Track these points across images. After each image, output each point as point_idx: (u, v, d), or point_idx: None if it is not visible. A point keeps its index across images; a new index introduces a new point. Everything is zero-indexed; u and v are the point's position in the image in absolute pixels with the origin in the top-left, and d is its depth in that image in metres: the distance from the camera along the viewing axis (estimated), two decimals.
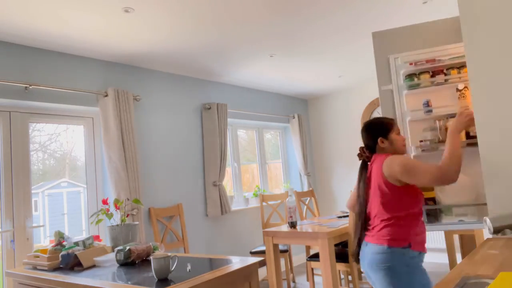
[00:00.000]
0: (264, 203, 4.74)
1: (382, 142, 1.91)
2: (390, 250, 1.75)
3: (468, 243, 4.12)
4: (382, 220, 1.83)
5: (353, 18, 3.11)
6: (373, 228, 1.86)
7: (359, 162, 2.06)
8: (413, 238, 1.78)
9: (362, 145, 2.02)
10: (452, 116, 2.16)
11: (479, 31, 1.74)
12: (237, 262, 1.90)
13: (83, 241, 2.36)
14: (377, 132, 1.93)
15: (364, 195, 1.92)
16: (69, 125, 3.41)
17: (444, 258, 4.74)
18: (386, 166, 1.80)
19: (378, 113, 5.31)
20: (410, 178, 1.73)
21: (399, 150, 1.91)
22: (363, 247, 1.89)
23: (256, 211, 4.84)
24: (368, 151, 1.98)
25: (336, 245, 3.76)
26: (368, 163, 1.98)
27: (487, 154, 1.72)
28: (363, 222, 1.91)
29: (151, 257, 1.79)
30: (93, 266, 2.20)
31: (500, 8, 1.69)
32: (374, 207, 1.87)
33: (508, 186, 1.65)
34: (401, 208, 1.79)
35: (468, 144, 2.08)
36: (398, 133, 1.94)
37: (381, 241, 1.79)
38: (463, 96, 2.17)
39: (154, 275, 1.73)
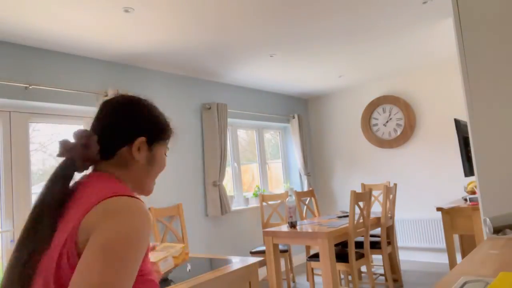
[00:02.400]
0: (264, 203, 4.74)
1: (142, 150, 0.97)
2: None
3: (468, 243, 4.12)
4: None
5: (353, 18, 3.11)
6: None
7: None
8: None
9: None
10: None
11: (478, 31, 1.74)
12: (237, 262, 1.90)
13: None
14: (148, 124, 0.99)
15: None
16: (69, 125, 3.41)
17: (444, 258, 4.74)
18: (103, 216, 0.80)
19: (378, 113, 5.31)
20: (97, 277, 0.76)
21: (145, 188, 1.03)
22: None
23: (256, 211, 4.84)
24: (100, 149, 0.95)
25: (336, 245, 3.76)
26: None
27: (481, 154, 1.72)
28: None
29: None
30: None
31: (498, 12, 1.69)
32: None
33: (501, 186, 1.65)
34: None
35: None
36: (166, 153, 1.06)
37: None
38: None
39: None
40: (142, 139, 0.95)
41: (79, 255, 0.76)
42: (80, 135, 0.92)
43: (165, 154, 1.04)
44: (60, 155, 0.91)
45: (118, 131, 0.94)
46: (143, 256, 0.79)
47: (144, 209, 0.83)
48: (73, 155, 0.90)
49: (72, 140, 0.92)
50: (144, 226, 0.79)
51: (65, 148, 0.90)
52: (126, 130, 0.95)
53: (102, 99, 3.37)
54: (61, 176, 0.88)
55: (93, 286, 0.69)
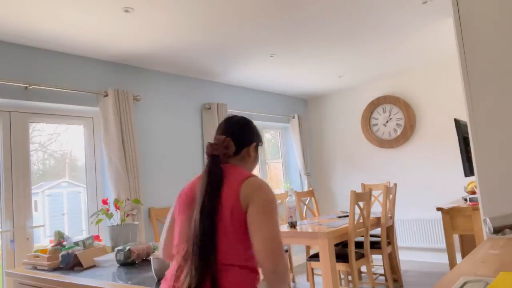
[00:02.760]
0: None
1: (253, 151, 1.51)
2: None
3: (468, 243, 4.12)
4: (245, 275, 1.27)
5: (353, 18, 3.11)
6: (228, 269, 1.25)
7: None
8: None
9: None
10: None
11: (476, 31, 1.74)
12: None
13: (83, 241, 2.36)
14: (256, 135, 1.55)
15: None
16: (69, 125, 3.41)
17: (444, 258, 4.74)
18: (252, 188, 1.32)
19: (378, 113, 5.32)
20: (265, 225, 1.31)
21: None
22: None
23: None
24: (234, 150, 1.46)
25: (336, 245, 3.76)
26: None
27: (481, 154, 1.72)
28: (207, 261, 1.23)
29: (151, 257, 1.79)
30: (93, 266, 2.20)
31: (498, 12, 1.69)
32: (231, 254, 1.26)
33: (501, 186, 1.65)
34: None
35: None
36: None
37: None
38: None
39: (154, 275, 1.73)
40: (254, 144, 1.51)
41: (242, 209, 1.27)
42: (222, 139, 1.41)
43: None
44: (209, 152, 1.39)
45: (243, 138, 1.47)
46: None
47: (267, 185, 1.34)
48: (219, 153, 1.39)
49: (215, 143, 1.40)
50: (275, 201, 1.31)
51: (213, 148, 1.39)
52: (247, 137, 1.49)
53: (102, 99, 3.38)
54: (214, 165, 1.36)
55: (270, 231, 1.24)
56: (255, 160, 1.53)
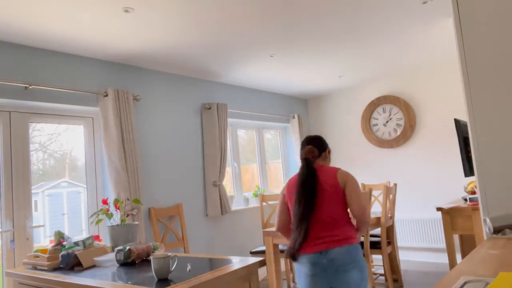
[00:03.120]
0: (264, 203, 4.74)
1: (329, 153, 2.37)
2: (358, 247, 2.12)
3: (468, 243, 4.12)
4: (345, 222, 2.12)
5: (353, 18, 3.11)
6: (333, 231, 2.08)
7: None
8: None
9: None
10: None
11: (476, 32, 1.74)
12: (237, 262, 1.90)
13: (83, 241, 2.36)
14: (326, 144, 2.37)
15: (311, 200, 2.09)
16: (69, 125, 3.41)
17: (444, 258, 4.74)
18: (343, 176, 2.16)
19: (378, 113, 5.32)
20: (356, 197, 2.17)
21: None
22: (325, 253, 2.05)
23: (256, 211, 4.84)
24: (318, 153, 2.30)
25: None
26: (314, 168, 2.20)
27: (481, 154, 1.72)
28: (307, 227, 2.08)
29: (151, 257, 1.79)
30: (93, 266, 2.20)
31: (498, 12, 1.69)
32: (333, 210, 2.09)
33: (501, 186, 1.65)
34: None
35: None
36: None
37: (351, 240, 2.10)
38: None
39: (154, 275, 1.73)
40: (328, 149, 2.35)
41: (341, 186, 2.10)
42: (310, 148, 2.23)
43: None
44: (303, 157, 2.21)
45: (321, 146, 2.31)
46: None
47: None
48: (311, 156, 2.21)
49: (307, 151, 2.22)
50: (356, 182, 2.13)
51: (306, 153, 2.21)
52: (323, 145, 2.33)
53: (102, 99, 3.38)
54: (310, 164, 2.17)
55: (361, 200, 2.11)
56: (329, 161, 2.36)
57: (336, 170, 2.17)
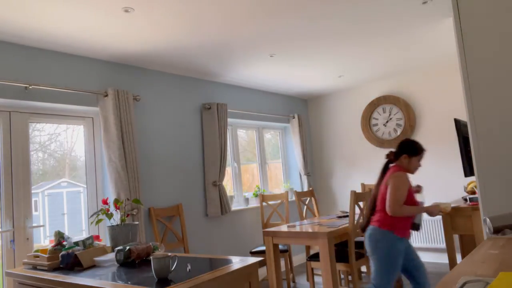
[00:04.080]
0: (264, 203, 4.74)
1: (405, 158, 2.68)
2: (381, 231, 2.61)
3: (468, 243, 4.12)
4: (381, 210, 2.67)
5: (352, 18, 3.11)
6: (374, 215, 2.73)
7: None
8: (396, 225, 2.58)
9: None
10: None
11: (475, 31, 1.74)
12: (237, 262, 1.90)
13: (83, 241, 2.36)
14: (407, 150, 2.68)
15: (376, 189, 2.75)
16: (69, 125, 3.41)
17: (444, 258, 4.74)
18: (391, 177, 2.63)
19: (378, 113, 5.32)
20: (389, 193, 2.61)
21: (410, 171, 2.70)
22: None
23: (256, 211, 4.84)
24: (393, 156, 2.76)
25: (336, 245, 3.76)
26: (390, 165, 2.78)
27: (481, 154, 1.72)
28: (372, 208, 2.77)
29: (151, 257, 1.79)
30: (93, 266, 2.20)
31: (497, 11, 1.69)
32: (379, 200, 2.69)
33: (501, 186, 1.65)
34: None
35: None
36: (419, 160, 2.70)
37: (376, 223, 2.66)
38: None
39: (154, 275, 1.73)
40: (404, 155, 2.69)
41: (386, 187, 2.65)
42: (389, 152, 2.79)
43: (418, 161, 2.69)
44: (386, 158, 2.80)
45: (399, 151, 2.72)
46: (405, 191, 2.57)
47: (402, 174, 2.60)
48: (391, 158, 2.78)
49: (387, 154, 2.81)
50: (400, 181, 2.57)
51: (387, 156, 2.79)
52: (400, 151, 2.71)
53: (102, 99, 3.38)
54: (385, 164, 2.80)
55: (390, 199, 2.59)
56: (409, 164, 2.68)
57: (391, 172, 2.66)
